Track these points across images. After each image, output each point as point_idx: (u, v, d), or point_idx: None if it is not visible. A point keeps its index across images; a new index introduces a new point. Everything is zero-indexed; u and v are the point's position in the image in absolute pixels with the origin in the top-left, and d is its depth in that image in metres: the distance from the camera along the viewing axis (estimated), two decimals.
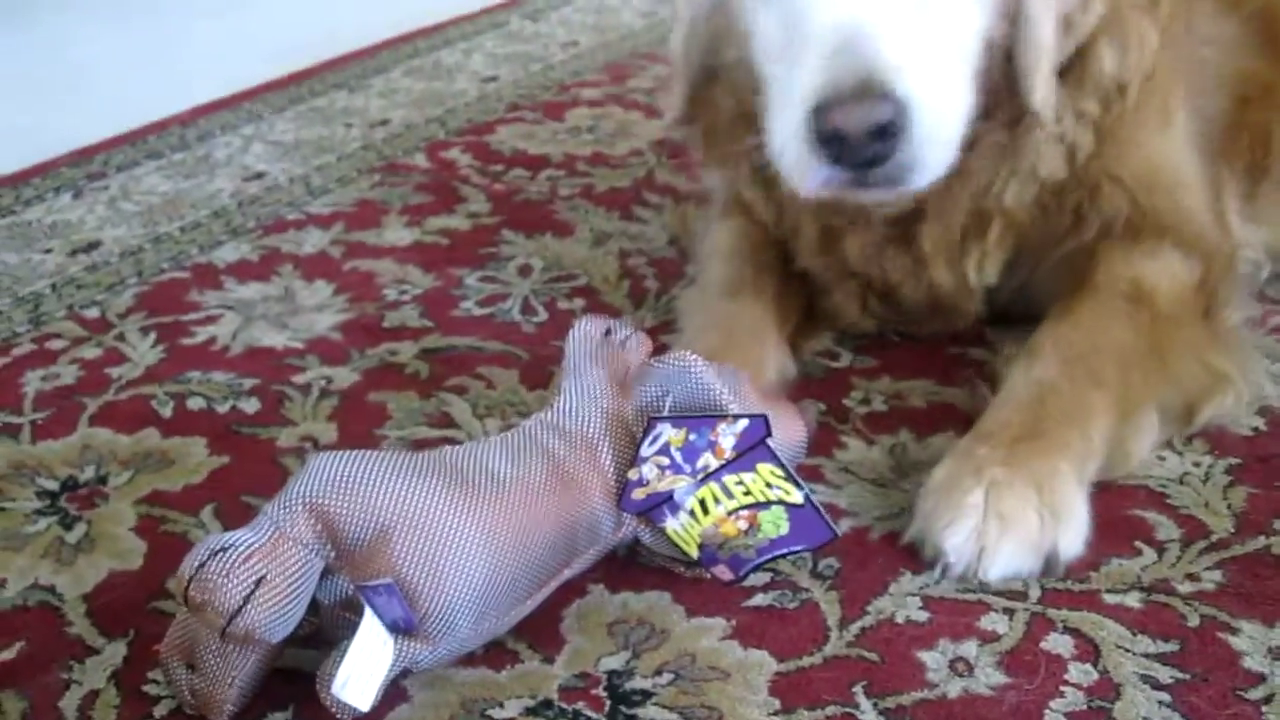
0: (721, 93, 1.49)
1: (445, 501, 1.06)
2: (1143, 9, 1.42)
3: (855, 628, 1.14)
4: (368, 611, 1.02)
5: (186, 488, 1.36)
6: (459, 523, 1.06)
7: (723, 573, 1.18)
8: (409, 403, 1.50)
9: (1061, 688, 1.07)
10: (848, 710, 1.05)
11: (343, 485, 1.06)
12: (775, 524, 1.16)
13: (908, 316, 1.58)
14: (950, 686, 1.07)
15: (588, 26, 3.10)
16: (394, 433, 1.44)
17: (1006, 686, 1.07)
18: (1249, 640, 1.11)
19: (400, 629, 1.04)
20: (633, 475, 1.15)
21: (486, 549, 1.06)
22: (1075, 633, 1.13)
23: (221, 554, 1.01)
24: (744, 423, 1.14)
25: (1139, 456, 1.34)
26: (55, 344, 1.65)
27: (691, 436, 1.15)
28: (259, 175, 2.18)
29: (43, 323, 1.71)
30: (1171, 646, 1.11)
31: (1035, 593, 1.17)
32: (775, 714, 1.05)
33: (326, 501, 1.05)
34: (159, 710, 1.08)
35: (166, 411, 1.50)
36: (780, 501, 1.15)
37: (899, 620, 1.15)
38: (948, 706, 1.05)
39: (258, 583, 1.00)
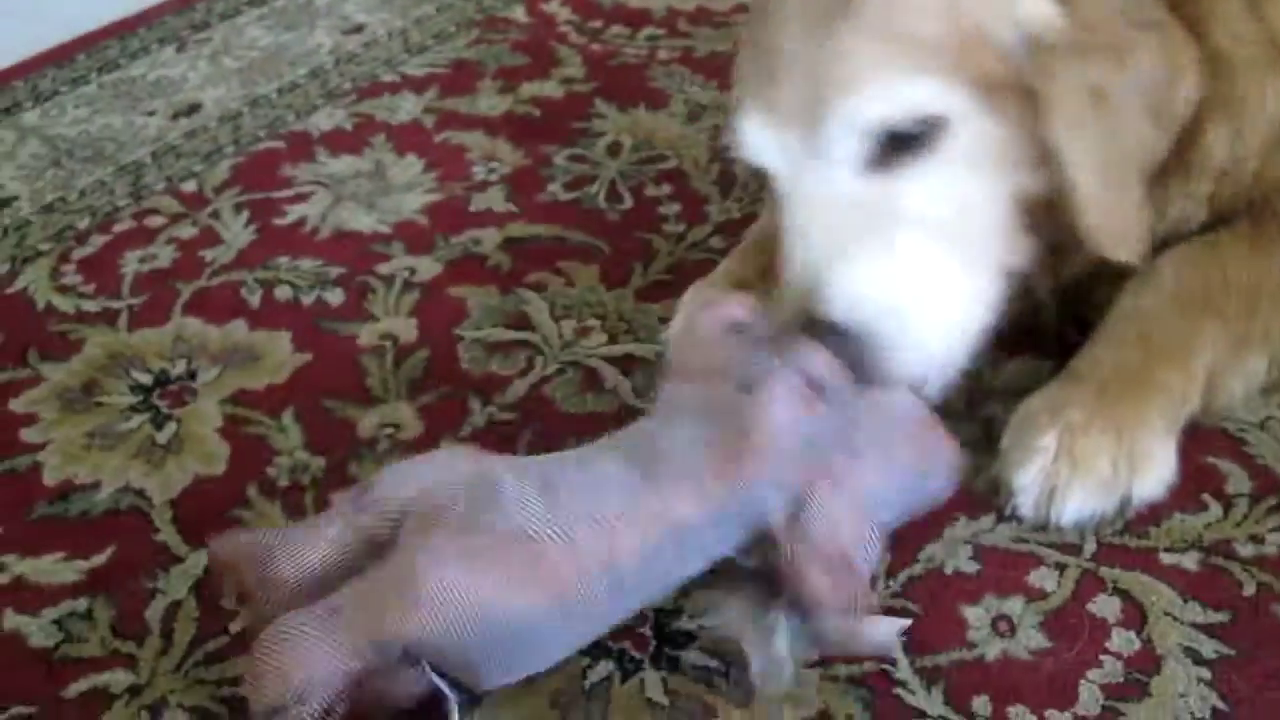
0: None
1: None
2: (1264, 63, 1.23)
3: (904, 575, 1.15)
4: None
5: (270, 387, 1.42)
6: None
7: None
8: (488, 299, 1.52)
9: (1101, 656, 1.07)
10: (884, 667, 1.07)
11: None
12: None
13: None
14: (989, 648, 1.08)
15: None
16: (470, 333, 1.47)
17: (1046, 652, 1.08)
18: None
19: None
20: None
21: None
22: (1124, 595, 1.12)
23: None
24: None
25: (1242, 398, 1.27)
26: (154, 221, 1.70)
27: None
28: (358, 29, 2.16)
29: (142, 196, 1.75)
30: (1221, 617, 1.09)
31: (1090, 547, 1.16)
32: (811, 667, 1.08)
33: None
34: (234, 626, 1.15)
35: (255, 301, 1.54)
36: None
37: (948, 570, 1.15)
38: (984, 669, 1.07)
39: None
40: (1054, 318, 1.34)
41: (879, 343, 1.15)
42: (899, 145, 1.15)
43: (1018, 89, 1.15)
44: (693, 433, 1.07)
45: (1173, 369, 1.22)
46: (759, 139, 1.22)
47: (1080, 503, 1.17)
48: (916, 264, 1.17)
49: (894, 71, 1.14)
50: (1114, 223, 1.18)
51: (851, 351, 1.14)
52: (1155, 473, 1.18)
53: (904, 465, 1.12)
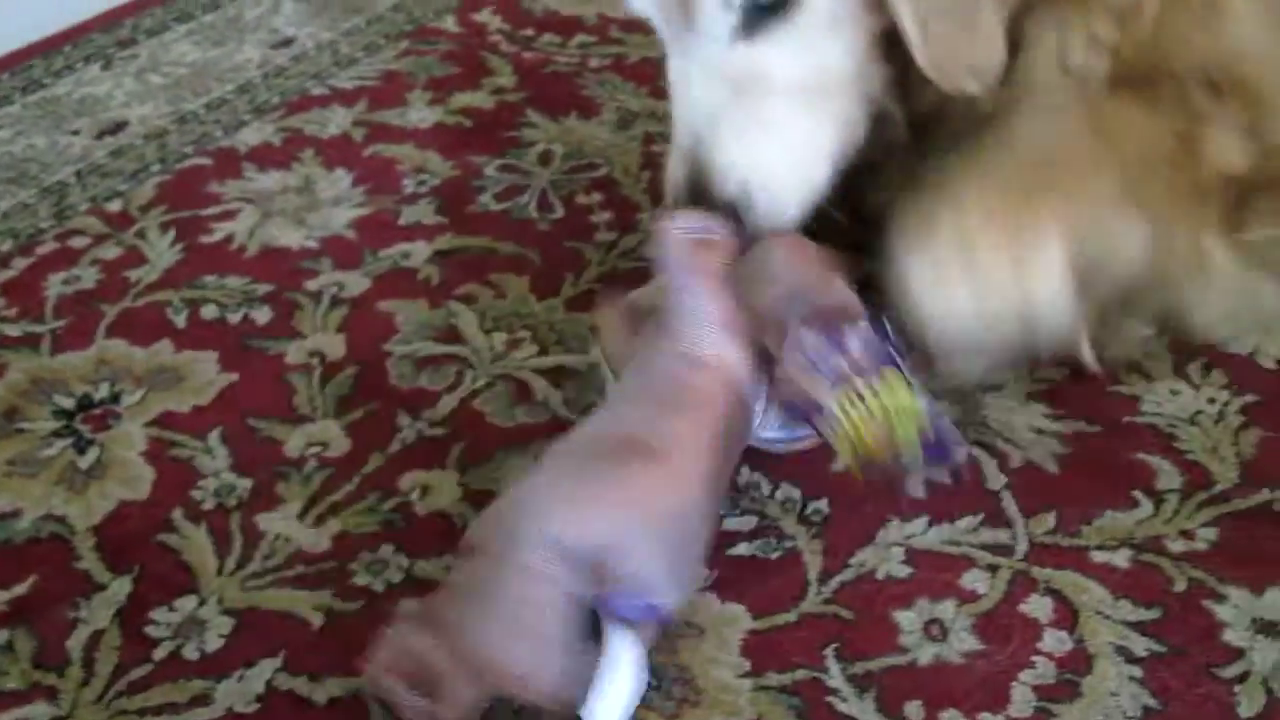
0: None
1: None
2: None
3: (835, 582, 1.14)
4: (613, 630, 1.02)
5: (196, 408, 1.39)
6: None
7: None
8: (418, 313, 1.50)
9: (1034, 657, 1.06)
10: (816, 675, 1.06)
11: None
12: (909, 438, 1.13)
13: None
14: (922, 652, 1.08)
15: None
16: (399, 348, 1.45)
17: (978, 654, 1.07)
18: (1233, 610, 1.09)
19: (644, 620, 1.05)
20: (778, 373, 1.14)
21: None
22: (1056, 595, 1.12)
23: None
24: (864, 324, 1.12)
25: (1121, 269, 1.25)
26: (78, 242, 1.67)
27: (821, 339, 1.13)
28: (287, 42, 2.14)
29: (66, 217, 1.72)
30: (1153, 614, 1.09)
31: (1022, 547, 1.16)
32: (744, 676, 1.07)
33: None
34: (158, 653, 1.13)
35: (180, 321, 1.52)
36: (909, 410, 1.12)
37: (880, 575, 1.15)
38: (916, 675, 1.06)
39: None
40: (908, 145, 1.36)
41: (750, 208, 1.23)
42: (763, 13, 1.20)
43: None
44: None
45: (1074, 193, 1.22)
46: None
47: (968, 304, 1.17)
48: (784, 125, 1.23)
49: None
50: (942, 55, 1.21)
51: (732, 215, 1.22)
52: (1051, 283, 1.18)
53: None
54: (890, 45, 1.25)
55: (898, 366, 1.12)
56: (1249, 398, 1.31)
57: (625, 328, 1.25)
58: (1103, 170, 1.26)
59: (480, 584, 1.00)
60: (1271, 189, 1.35)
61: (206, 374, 1.44)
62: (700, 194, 1.24)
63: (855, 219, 1.33)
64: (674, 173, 1.27)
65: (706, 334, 1.13)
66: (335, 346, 1.46)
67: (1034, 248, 1.18)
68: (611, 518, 1.02)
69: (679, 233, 1.16)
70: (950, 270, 1.18)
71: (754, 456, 1.23)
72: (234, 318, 1.51)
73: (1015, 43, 1.27)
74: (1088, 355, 1.29)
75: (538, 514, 1.01)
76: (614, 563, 1.01)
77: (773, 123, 1.23)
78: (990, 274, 1.17)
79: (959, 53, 1.21)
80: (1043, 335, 1.20)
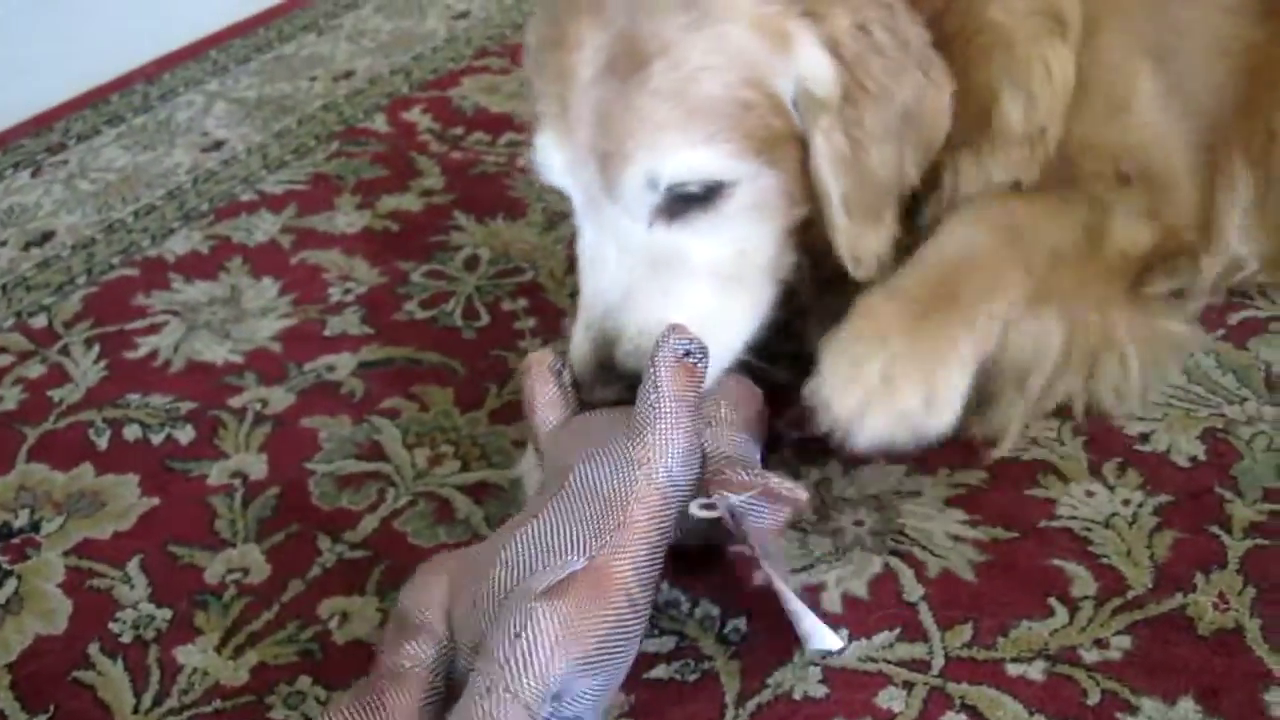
0: None
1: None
2: (1043, 34, 1.33)
3: (752, 704, 1.14)
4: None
5: (116, 535, 1.38)
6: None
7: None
8: (340, 429, 1.50)
9: None
10: None
11: None
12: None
13: None
14: None
15: None
16: (321, 467, 1.44)
17: None
18: None
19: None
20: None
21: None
22: (972, 711, 1.12)
23: None
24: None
25: (1031, 356, 1.33)
26: (2, 360, 1.66)
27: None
28: (218, 145, 2.14)
29: None
30: None
31: (939, 662, 1.16)
32: None
33: None
34: None
35: (103, 443, 1.51)
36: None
37: (797, 696, 1.14)
38: None
39: None
40: (814, 311, 1.41)
41: None
42: (686, 200, 1.25)
43: (793, 138, 1.26)
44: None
45: (981, 308, 1.29)
46: (555, 163, 1.29)
47: (880, 429, 1.22)
48: (699, 305, 1.27)
49: (685, 139, 1.22)
50: (859, 248, 1.30)
51: (621, 386, 1.24)
52: (949, 410, 1.25)
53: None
54: (799, 236, 1.32)
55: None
56: (1163, 498, 1.32)
57: (558, 402, 1.28)
58: (1014, 272, 1.31)
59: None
60: (1171, 258, 1.45)
61: (128, 498, 1.43)
62: (607, 364, 1.26)
63: (777, 362, 1.36)
64: (579, 346, 1.28)
65: (666, 460, 1.16)
66: (257, 467, 1.45)
67: (946, 383, 1.24)
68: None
69: (670, 351, 1.18)
70: (869, 401, 1.22)
71: (675, 573, 1.23)
72: (157, 438, 1.51)
73: (931, 181, 1.35)
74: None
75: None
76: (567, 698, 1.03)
77: (687, 298, 1.26)
78: (905, 407, 1.23)
79: (865, 243, 1.30)
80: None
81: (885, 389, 1.22)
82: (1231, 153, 1.49)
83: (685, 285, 1.27)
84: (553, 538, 1.10)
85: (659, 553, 1.14)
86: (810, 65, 1.23)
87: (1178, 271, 1.47)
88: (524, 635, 1.00)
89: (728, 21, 1.21)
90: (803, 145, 1.26)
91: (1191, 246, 1.47)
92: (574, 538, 1.10)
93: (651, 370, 1.18)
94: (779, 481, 1.17)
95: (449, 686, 1.10)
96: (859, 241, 1.29)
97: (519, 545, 1.11)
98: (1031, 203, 1.37)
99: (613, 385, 1.25)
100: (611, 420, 1.22)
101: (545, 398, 1.28)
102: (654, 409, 1.17)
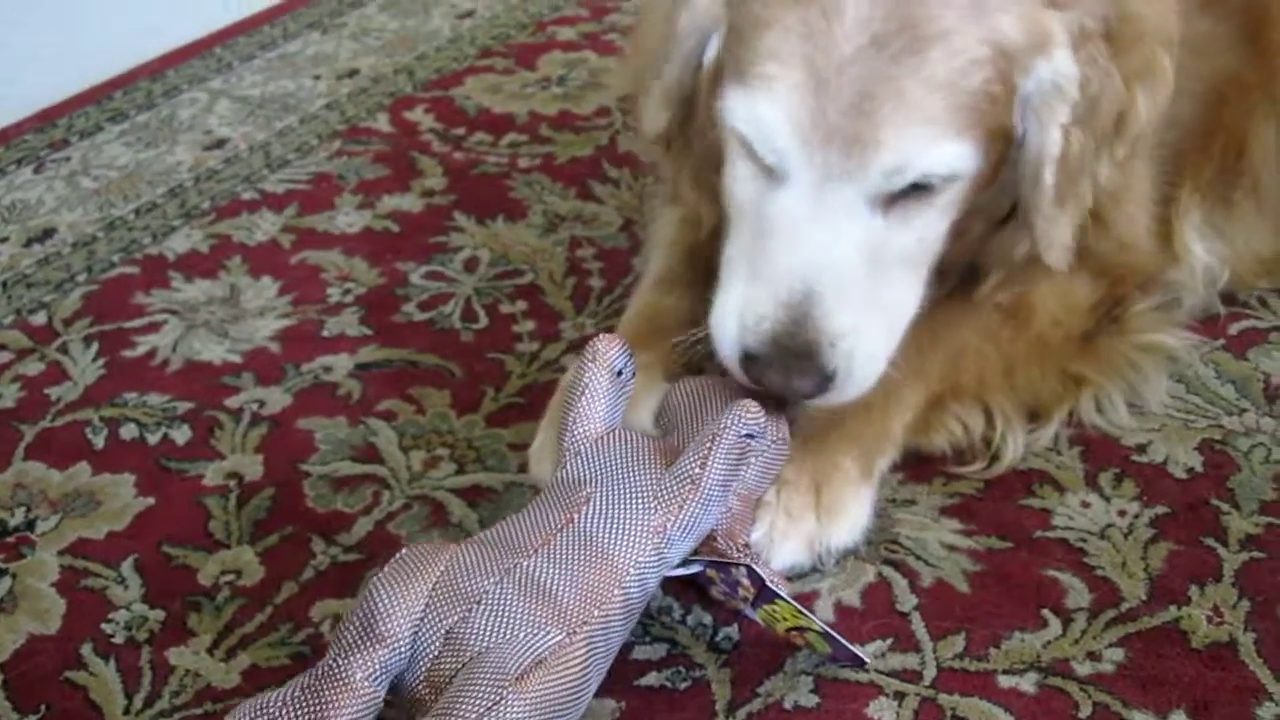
0: (697, 133, 1.39)
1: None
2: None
3: (742, 713, 1.14)
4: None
5: (111, 534, 1.38)
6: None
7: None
8: (336, 431, 1.50)
9: None
10: None
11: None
12: (819, 644, 1.16)
13: None
14: None
15: None
16: (317, 468, 1.44)
17: None
18: None
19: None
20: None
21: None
22: None
23: None
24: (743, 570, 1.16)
25: (964, 438, 1.39)
26: (1, 357, 1.66)
27: (721, 576, 1.19)
28: (220, 143, 2.14)
29: None
30: None
31: (930, 673, 1.16)
32: None
33: None
34: None
35: (99, 441, 1.51)
36: (809, 629, 1.15)
37: (787, 705, 1.14)
38: None
39: None
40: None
41: (849, 376, 1.23)
42: (914, 189, 1.21)
43: (1007, 130, 1.24)
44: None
45: (868, 422, 1.33)
46: (784, 130, 1.19)
47: (788, 555, 1.27)
48: (897, 299, 1.27)
49: (946, 132, 1.18)
50: (1058, 236, 1.30)
51: (816, 379, 1.22)
52: (848, 523, 1.29)
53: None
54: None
55: (783, 599, 1.16)
56: (1159, 509, 1.32)
57: (604, 401, 1.25)
58: (909, 385, 1.36)
59: None
60: (1139, 288, 1.51)
61: (123, 498, 1.43)
62: (797, 351, 1.21)
63: None
64: (758, 319, 1.22)
65: (680, 536, 1.16)
66: (253, 467, 1.45)
67: (836, 502, 1.30)
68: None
69: (735, 431, 1.16)
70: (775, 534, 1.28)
71: (667, 582, 1.23)
72: (153, 438, 1.51)
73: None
74: None
75: None
76: None
77: (889, 293, 1.24)
78: (802, 531, 1.28)
79: (1063, 232, 1.30)
80: None
81: (784, 515, 1.27)
82: (1186, 171, 1.53)
83: (891, 277, 1.24)
84: (540, 596, 1.09)
85: (632, 620, 1.15)
86: (1063, 61, 1.21)
87: (1150, 291, 1.51)
88: (490, 716, 0.99)
89: (1002, 13, 1.19)
90: (1008, 138, 1.24)
91: (1149, 278, 1.51)
92: (561, 602, 1.09)
93: (710, 444, 1.16)
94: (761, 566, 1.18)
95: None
96: (1057, 230, 1.29)
97: (507, 590, 1.09)
98: (928, 327, 1.35)
99: (808, 377, 1.21)
100: (652, 452, 1.21)
101: (593, 392, 1.24)
102: (694, 484, 1.16)
